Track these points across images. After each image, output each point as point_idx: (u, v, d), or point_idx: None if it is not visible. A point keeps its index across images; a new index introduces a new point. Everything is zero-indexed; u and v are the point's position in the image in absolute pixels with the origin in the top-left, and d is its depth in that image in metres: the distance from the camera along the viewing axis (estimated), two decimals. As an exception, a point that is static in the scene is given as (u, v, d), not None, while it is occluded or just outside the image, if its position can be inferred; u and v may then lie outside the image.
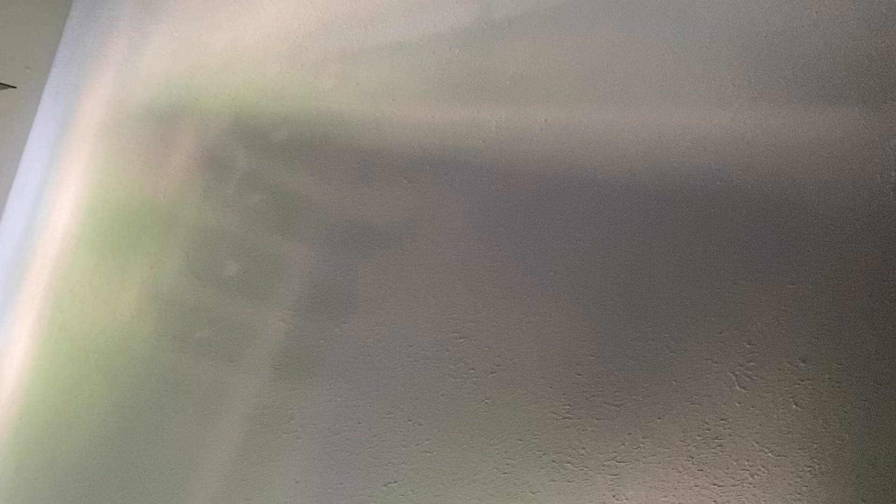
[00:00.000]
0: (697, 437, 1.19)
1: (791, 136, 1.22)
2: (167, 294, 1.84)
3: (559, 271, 1.37)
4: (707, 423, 1.19)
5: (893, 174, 1.13)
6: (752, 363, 1.18)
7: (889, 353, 1.10)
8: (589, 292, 1.33)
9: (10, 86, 2.22)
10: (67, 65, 2.33)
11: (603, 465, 1.25)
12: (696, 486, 1.18)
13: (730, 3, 1.32)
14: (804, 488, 1.11)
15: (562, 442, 1.30)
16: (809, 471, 1.11)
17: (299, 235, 1.69)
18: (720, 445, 1.17)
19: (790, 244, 1.19)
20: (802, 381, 1.14)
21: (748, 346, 1.19)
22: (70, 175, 2.16)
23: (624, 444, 1.25)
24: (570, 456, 1.28)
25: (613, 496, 1.24)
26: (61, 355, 1.98)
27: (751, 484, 1.14)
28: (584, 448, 1.27)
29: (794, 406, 1.14)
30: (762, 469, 1.14)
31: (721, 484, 1.16)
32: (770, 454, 1.14)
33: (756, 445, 1.15)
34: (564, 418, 1.30)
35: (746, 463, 1.15)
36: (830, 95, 1.20)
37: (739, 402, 1.18)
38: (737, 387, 1.18)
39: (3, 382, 2.08)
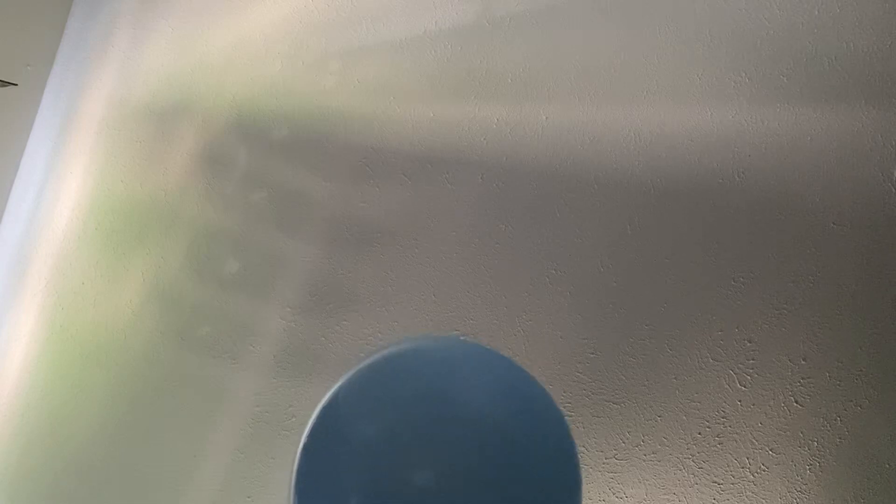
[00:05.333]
0: (698, 435, 1.19)
1: (792, 133, 1.22)
2: (168, 291, 1.84)
3: (559, 269, 1.37)
4: (707, 421, 1.19)
5: (895, 171, 1.13)
6: (752, 361, 1.18)
7: (889, 351, 1.10)
8: (589, 290, 1.33)
9: (11, 83, 2.22)
10: (69, 62, 2.33)
11: (603, 463, 1.25)
12: (697, 483, 1.18)
13: (731, 2, 1.31)
14: (804, 486, 1.11)
15: (562, 439, 1.30)
16: (810, 468, 1.11)
17: (300, 233, 1.69)
18: (720, 443, 1.18)
19: (790, 242, 1.19)
20: (803, 378, 1.14)
21: (749, 344, 1.19)
22: (71, 172, 2.17)
23: (624, 442, 1.25)
24: (570, 453, 1.28)
25: (613, 493, 1.24)
26: (63, 353, 1.98)
27: (751, 482, 1.15)
28: (584, 446, 1.28)
29: (794, 404, 1.14)
30: (762, 467, 1.14)
31: (721, 482, 1.16)
32: (770, 452, 1.14)
33: (756, 443, 1.15)
34: (565, 416, 1.30)
35: (747, 461, 1.15)
36: (831, 93, 1.20)
37: (740, 400, 1.18)
38: (737, 385, 1.18)
39: (4, 380, 2.09)
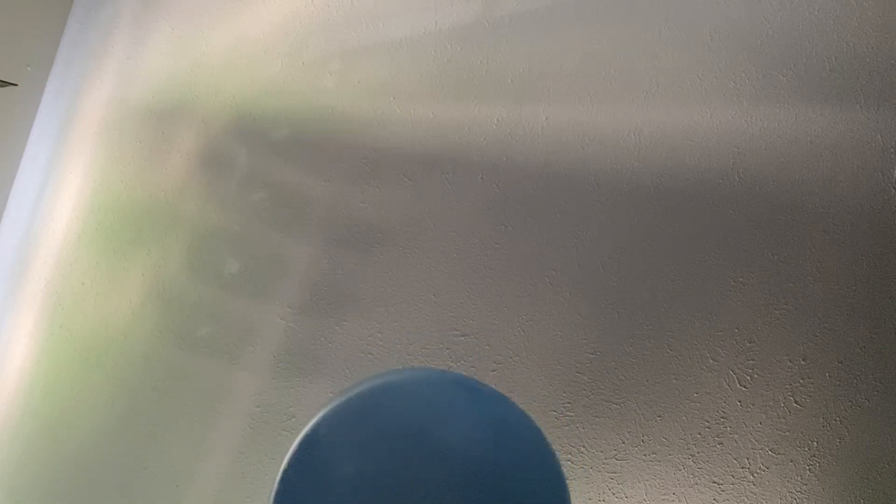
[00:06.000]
0: (698, 436, 1.19)
1: (792, 134, 1.22)
2: (168, 292, 1.84)
3: (559, 269, 1.37)
4: (707, 421, 1.19)
5: (894, 172, 1.13)
6: (752, 361, 1.18)
7: (889, 351, 1.10)
8: (589, 291, 1.33)
9: (11, 83, 2.22)
10: (69, 62, 2.33)
11: (603, 463, 1.25)
12: (697, 483, 1.18)
13: (731, 2, 1.31)
14: (804, 486, 1.11)
15: (562, 440, 1.30)
16: (810, 469, 1.11)
17: (300, 233, 1.69)
18: (720, 443, 1.18)
19: (790, 242, 1.19)
20: (803, 378, 1.14)
21: (749, 345, 1.19)
22: (71, 172, 2.17)
23: (624, 442, 1.25)
24: (570, 454, 1.29)
25: (613, 494, 1.24)
26: (62, 353, 1.98)
27: (751, 482, 1.15)
28: (584, 446, 1.28)
29: (794, 404, 1.14)
30: (762, 467, 1.14)
31: (721, 482, 1.16)
32: (770, 452, 1.14)
33: (756, 443, 1.15)
34: (565, 416, 1.30)
35: (747, 461, 1.15)
36: (831, 94, 1.20)
37: (740, 401, 1.18)
38: (737, 385, 1.18)
39: (4, 380, 2.09)
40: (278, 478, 0.59)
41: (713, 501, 1.16)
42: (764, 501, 1.13)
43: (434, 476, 0.55)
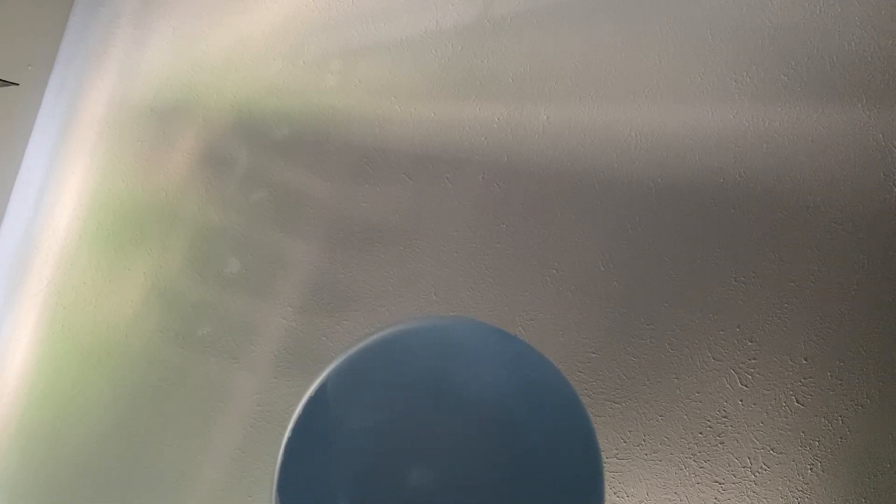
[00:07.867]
0: (699, 435, 1.19)
1: (793, 133, 1.22)
2: (169, 291, 1.84)
3: (560, 269, 1.37)
4: (709, 421, 1.19)
5: (896, 171, 1.13)
6: (753, 360, 1.18)
7: (890, 351, 1.09)
8: (590, 290, 1.33)
9: (12, 83, 2.22)
10: (70, 62, 2.33)
11: (604, 463, 1.25)
12: (698, 483, 1.18)
13: (732, 2, 1.31)
14: (805, 486, 1.11)
15: (563, 439, 1.29)
16: (811, 468, 1.11)
17: (301, 232, 1.69)
18: (722, 443, 1.17)
19: (792, 242, 1.19)
20: (804, 378, 1.14)
21: (750, 344, 1.19)
22: (72, 172, 2.17)
23: (625, 442, 1.25)
24: (571, 453, 1.28)
25: (614, 493, 1.24)
26: (63, 352, 1.98)
27: (752, 481, 1.14)
28: (585, 445, 1.27)
29: (795, 403, 1.14)
30: (764, 466, 1.14)
31: (722, 481, 1.16)
32: (772, 451, 1.14)
33: (758, 443, 1.15)
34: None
35: (748, 460, 1.15)
36: (833, 93, 1.20)
37: (741, 400, 1.18)
38: (739, 384, 1.18)
39: (5, 379, 2.09)
40: (288, 432, 0.56)
41: (714, 501, 1.16)
42: (765, 501, 1.13)
43: (451, 428, 0.51)
